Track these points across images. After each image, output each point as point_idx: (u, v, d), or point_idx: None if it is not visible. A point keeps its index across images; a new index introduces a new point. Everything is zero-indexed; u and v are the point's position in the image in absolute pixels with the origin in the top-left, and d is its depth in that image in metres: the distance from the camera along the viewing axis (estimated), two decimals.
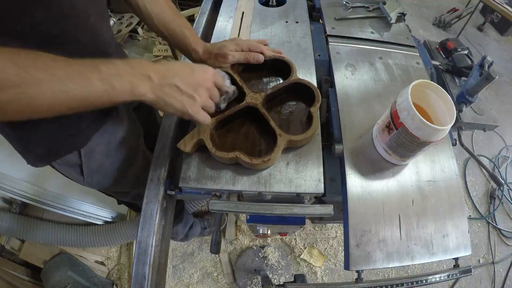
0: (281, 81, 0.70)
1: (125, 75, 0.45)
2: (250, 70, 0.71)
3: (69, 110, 0.42)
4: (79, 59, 0.42)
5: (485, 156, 2.02)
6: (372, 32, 0.86)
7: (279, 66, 0.71)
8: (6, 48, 0.36)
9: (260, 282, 1.44)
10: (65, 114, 0.43)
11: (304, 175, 0.58)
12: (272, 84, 0.70)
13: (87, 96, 0.42)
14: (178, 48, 0.71)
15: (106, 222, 1.43)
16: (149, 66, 0.48)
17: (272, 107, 0.66)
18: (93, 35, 0.55)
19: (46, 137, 0.58)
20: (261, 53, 0.69)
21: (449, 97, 0.53)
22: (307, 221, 1.38)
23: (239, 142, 0.61)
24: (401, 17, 0.90)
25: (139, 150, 0.79)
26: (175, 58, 1.82)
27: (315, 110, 0.62)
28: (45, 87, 0.38)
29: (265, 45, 0.75)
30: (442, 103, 0.54)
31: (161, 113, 1.06)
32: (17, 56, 0.37)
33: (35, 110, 0.40)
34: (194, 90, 0.52)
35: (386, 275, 1.48)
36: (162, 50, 2.11)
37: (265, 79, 0.71)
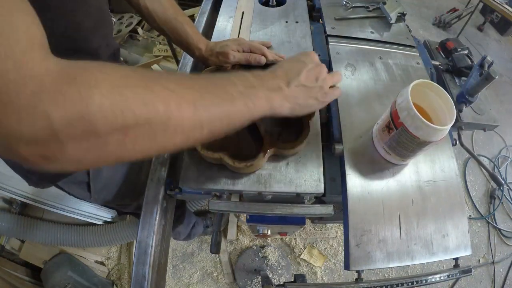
0: None
1: (260, 88, 0.41)
2: None
3: (209, 135, 0.35)
4: (208, 77, 0.38)
5: (485, 156, 2.02)
6: (372, 32, 0.86)
7: None
8: (117, 72, 0.28)
9: (260, 282, 1.44)
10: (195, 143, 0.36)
11: (304, 175, 0.58)
12: None
13: (229, 114, 0.36)
14: (180, 46, 0.71)
15: (106, 222, 1.43)
16: (274, 76, 0.45)
17: None
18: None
19: None
20: (263, 55, 0.69)
21: (449, 97, 0.53)
22: (307, 221, 1.37)
23: (228, 144, 0.59)
24: (401, 17, 0.90)
25: (144, 162, 0.79)
26: (175, 58, 1.82)
27: (307, 120, 0.60)
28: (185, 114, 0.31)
29: (268, 47, 0.74)
30: (442, 103, 0.54)
31: None
32: (135, 86, 0.28)
33: (165, 148, 0.32)
34: (316, 78, 0.49)
35: (386, 275, 1.48)
36: (162, 50, 2.11)
37: None
